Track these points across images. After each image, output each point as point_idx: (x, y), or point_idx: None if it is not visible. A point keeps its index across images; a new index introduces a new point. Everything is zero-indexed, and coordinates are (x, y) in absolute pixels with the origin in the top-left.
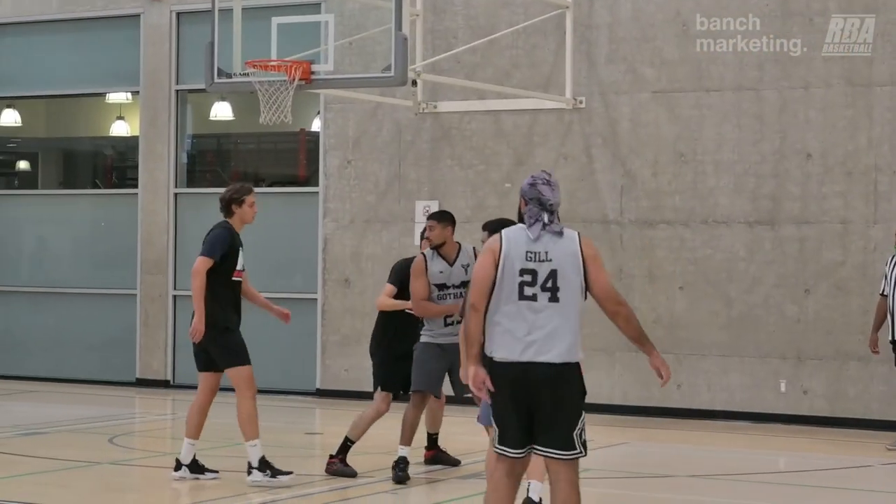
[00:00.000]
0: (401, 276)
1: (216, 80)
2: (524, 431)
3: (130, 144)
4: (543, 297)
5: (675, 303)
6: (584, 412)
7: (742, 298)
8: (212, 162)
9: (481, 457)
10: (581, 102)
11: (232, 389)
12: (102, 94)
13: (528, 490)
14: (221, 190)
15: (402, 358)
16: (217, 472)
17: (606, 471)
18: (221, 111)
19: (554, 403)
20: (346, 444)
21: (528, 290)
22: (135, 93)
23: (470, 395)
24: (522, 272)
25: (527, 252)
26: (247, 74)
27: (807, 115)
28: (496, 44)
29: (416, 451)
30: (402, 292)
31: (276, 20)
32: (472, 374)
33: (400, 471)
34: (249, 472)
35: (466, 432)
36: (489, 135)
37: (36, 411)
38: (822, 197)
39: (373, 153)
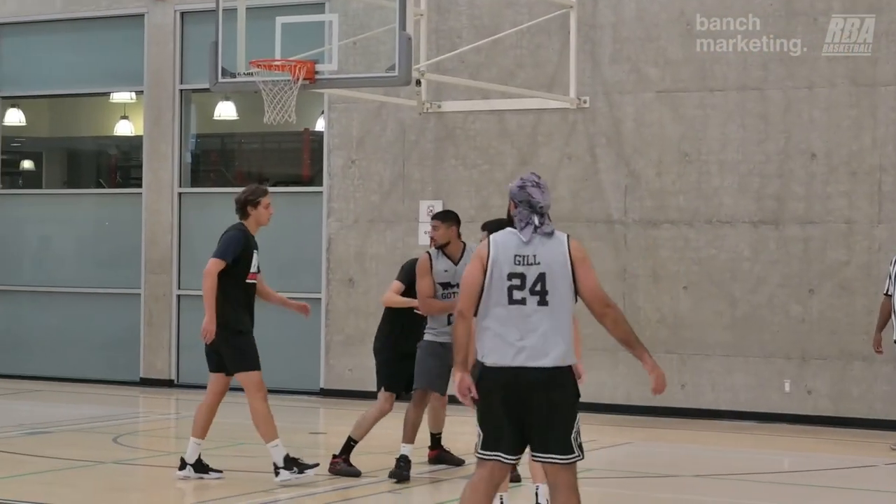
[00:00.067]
0: (410, 275)
1: (220, 79)
2: (517, 437)
3: (134, 144)
4: (532, 301)
5: (680, 303)
6: (578, 415)
7: (746, 298)
8: (216, 161)
9: None
10: (585, 102)
11: (241, 389)
12: (106, 94)
13: (536, 496)
14: (225, 190)
15: (407, 357)
16: (221, 472)
17: (610, 471)
18: (225, 111)
19: (549, 408)
20: (350, 444)
21: (517, 294)
22: (139, 92)
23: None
24: (511, 276)
25: (515, 256)
26: (251, 74)
27: (811, 114)
28: (500, 43)
29: (419, 451)
30: (410, 290)
31: (280, 20)
32: (458, 380)
33: (401, 469)
34: (277, 473)
35: (469, 432)
36: (493, 134)
37: (40, 411)
38: (826, 197)
39: (377, 153)
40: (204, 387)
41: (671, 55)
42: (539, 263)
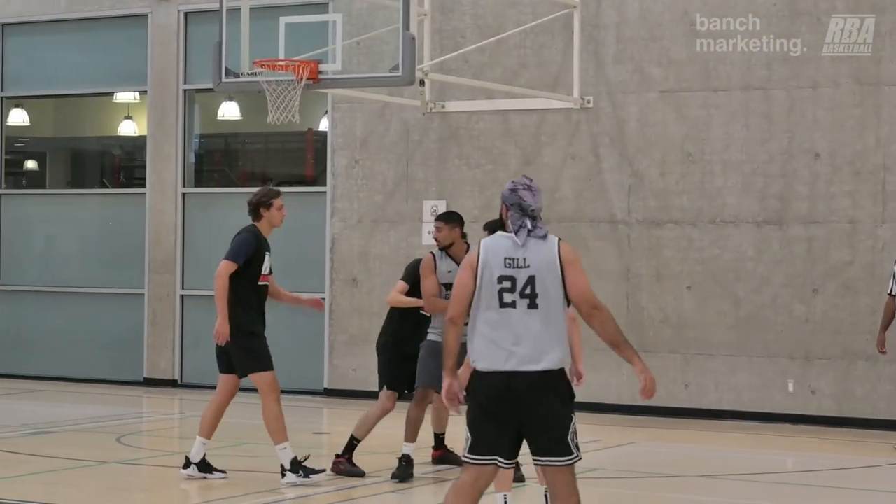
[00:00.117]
0: (414, 275)
1: (224, 79)
2: (512, 441)
3: (138, 144)
4: (523, 304)
5: (683, 303)
6: (574, 415)
7: (750, 298)
8: (219, 162)
9: None
10: (589, 102)
11: (250, 390)
12: (110, 94)
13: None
14: (229, 190)
15: (409, 357)
16: (225, 472)
17: (614, 471)
18: (229, 111)
19: (543, 412)
20: (352, 443)
21: (507, 297)
22: (142, 92)
23: None
24: (501, 279)
25: (506, 259)
26: (254, 74)
27: (815, 114)
28: (504, 43)
29: (423, 451)
30: (415, 290)
31: (283, 20)
32: (446, 386)
33: (403, 469)
34: (283, 475)
35: None
36: (497, 134)
37: (43, 410)
38: (830, 196)
39: (380, 153)
40: (207, 387)
41: (675, 55)
42: (529, 266)
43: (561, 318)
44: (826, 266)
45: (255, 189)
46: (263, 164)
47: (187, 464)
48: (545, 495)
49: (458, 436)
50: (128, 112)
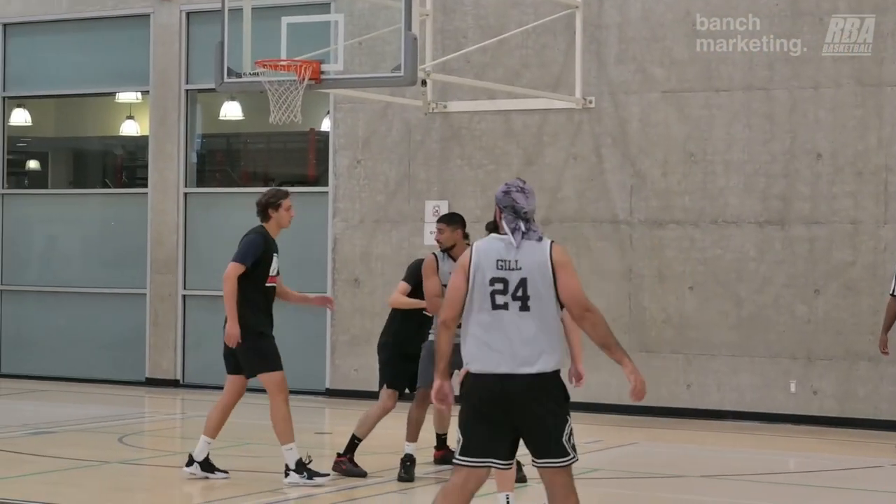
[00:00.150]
0: (416, 276)
1: (226, 79)
2: (506, 442)
3: (140, 144)
4: (515, 306)
5: (685, 303)
6: (569, 417)
7: (752, 298)
8: (221, 161)
9: None
10: (591, 102)
11: (255, 390)
12: (112, 94)
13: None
14: (231, 190)
15: (411, 357)
16: (227, 472)
17: (615, 471)
18: (231, 111)
19: (538, 415)
20: (354, 442)
21: (499, 299)
22: (144, 92)
23: None
24: (493, 281)
25: (498, 261)
26: (256, 74)
27: (817, 114)
28: (506, 44)
29: (425, 452)
30: (417, 291)
31: (285, 20)
32: (437, 387)
33: (405, 469)
34: (286, 475)
35: None
36: (499, 135)
37: (45, 410)
38: (832, 197)
39: (382, 153)
40: (209, 387)
41: (677, 55)
42: (521, 269)
43: (554, 320)
44: (828, 266)
45: (257, 189)
46: (265, 164)
47: (190, 462)
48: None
49: None
50: (130, 112)
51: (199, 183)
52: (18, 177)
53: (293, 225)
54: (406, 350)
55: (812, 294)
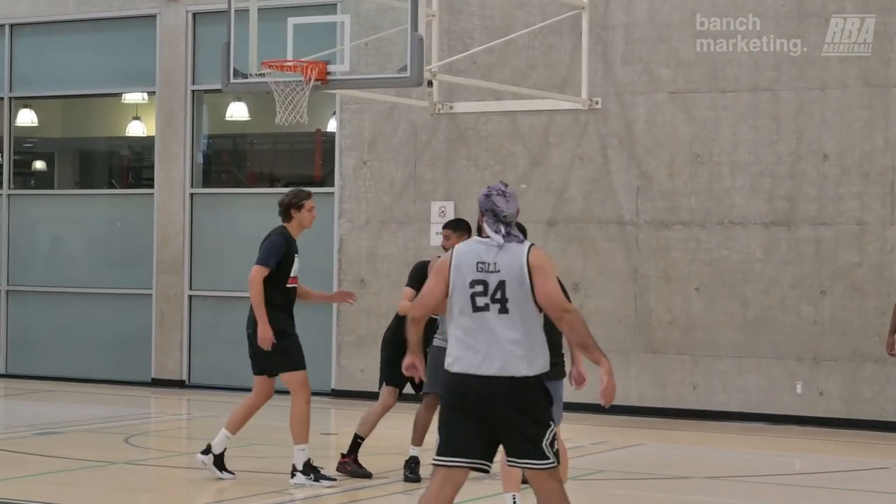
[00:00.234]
0: (419, 278)
1: (232, 80)
2: (486, 442)
3: (146, 144)
4: (494, 309)
5: (691, 304)
6: (552, 422)
7: (758, 299)
8: (227, 162)
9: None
10: (597, 103)
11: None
12: (118, 95)
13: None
14: (237, 190)
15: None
16: (234, 473)
17: (622, 472)
18: (237, 111)
19: (515, 417)
20: (357, 442)
21: (480, 301)
22: (151, 93)
23: None
24: (473, 283)
25: (478, 263)
26: (263, 75)
27: (823, 115)
28: (512, 44)
29: (429, 453)
30: None
31: (292, 20)
32: (408, 362)
33: (410, 471)
34: (293, 475)
35: None
36: (505, 135)
37: (51, 411)
38: (838, 198)
39: (388, 154)
40: (215, 387)
41: (683, 56)
42: (499, 271)
43: (533, 323)
44: (834, 267)
45: (263, 190)
46: (271, 164)
47: (207, 451)
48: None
49: None
50: (136, 112)
51: (206, 183)
52: (25, 177)
53: None
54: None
55: (818, 295)
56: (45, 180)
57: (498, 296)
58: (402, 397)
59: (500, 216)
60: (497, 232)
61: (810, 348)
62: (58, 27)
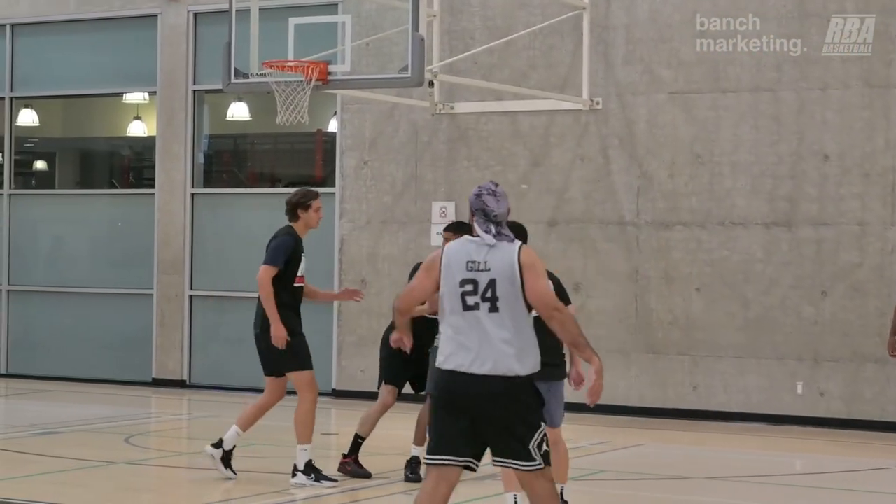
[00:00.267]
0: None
1: (233, 80)
2: (474, 441)
3: (147, 144)
4: (484, 307)
5: (692, 304)
6: (543, 423)
7: (759, 300)
8: (228, 162)
9: None
10: (598, 103)
11: (252, 390)
12: (119, 95)
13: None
14: (238, 190)
15: (413, 360)
16: (236, 474)
17: (622, 472)
18: (238, 111)
19: (503, 416)
20: (357, 442)
21: (470, 300)
22: (152, 93)
23: None
24: (463, 282)
25: (468, 263)
26: (264, 75)
27: (824, 116)
28: (513, 45)
29: None
30: None
31: (293, 21)
32: (395, 337)
33: (411, 471)
34: (294, 475)
35: None
36: (506, 136)
37: (52, 411)
38: (839, 198)
39: (389, 154)
40: (215, 387)
41: (684, 56)
42: (489, 270)
43: (523, 322)
44: (835, 268)
45: (264, 190)
46: (272, 164)
47: (218, 445)
48: (561, 495)
49: None
50: (137, 112)
51: (206, 183)
52: (25, 177)
53: None
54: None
55: (819, 296)
56: (45, 180)
57: (488, 295)
58: (402, 397)
59: (490, 215)
60: (487, 231)
61: (811, 349)
62: (59, 27)
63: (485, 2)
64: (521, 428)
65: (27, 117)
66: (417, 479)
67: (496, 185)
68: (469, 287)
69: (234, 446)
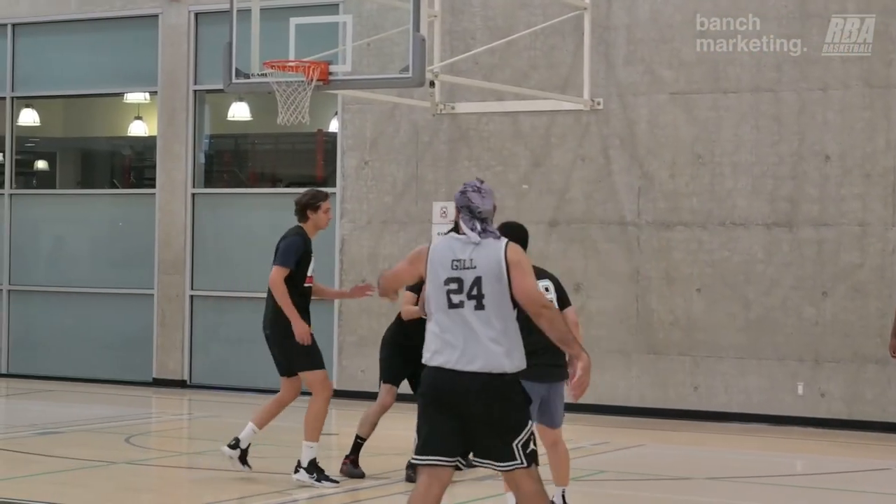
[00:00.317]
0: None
1: (234, 80)
2: (457, 440)
3: (148, 144)
4: (470, 305)
5: (693, 305)
6: (529, 422)
7: (760, 300)
8: (229, 162)
9: None
10: (599, 104)
11: (255, 390)
12: (120, 94)
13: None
14: (239, 190)
15: (412, 357)
16: (251, 467)
17: (623, 473)
18: (239, 111)
19: (487, 414)
20: (358, 443)
21: (455, 298)
22: (153, 93)
23: None
24: (448, 281)
25: (453, 261)
26: (264, 75)
27: (825, 116)
28: (514, 45)
29: None
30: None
31: (294, 21)
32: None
33: (413, 471)
34: (296, 471)
35: None
36: (507, 136)
37: (53, 410)
38: (840, 199)
39: (390, 154)
40: (216, 387)
41: (685, 57)
42: (475, 267)
43: (509, 320)
44: (836, 269)
45: (265, 190)
46: (273, 164)
47: (235, 445)
48: (563, 495)
49: None
50: (138, 112)
51: (207, 183)
52: (26, 177)
53: None
54: (408, 351)
55: (820, 296)
56: (46, 180)
57: (474, 292)
58: (404, 397)
59: (475, 212)
60: (473, 229)
61: (812, 349)
62: (60, 27)
63: (486, 2)
64: (506, 426)
65: (28, 117)
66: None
67: (481, 181)
68: (454, 286)
69: (250, 444)
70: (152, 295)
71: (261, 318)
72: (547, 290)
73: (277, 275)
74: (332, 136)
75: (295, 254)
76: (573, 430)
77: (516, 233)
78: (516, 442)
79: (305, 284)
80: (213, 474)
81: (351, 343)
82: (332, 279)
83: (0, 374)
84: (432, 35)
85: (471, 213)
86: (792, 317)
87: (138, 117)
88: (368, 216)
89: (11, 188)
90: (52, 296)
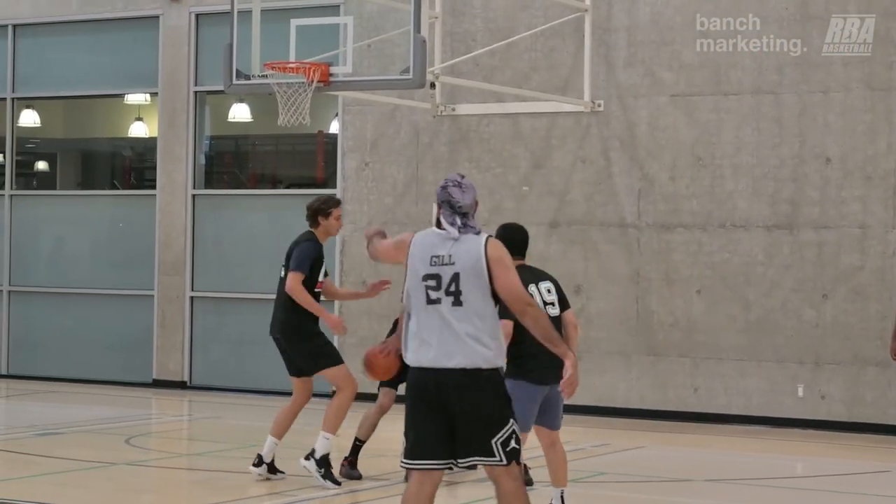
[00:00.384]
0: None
1: (235, 81)
2: (444, 442)
3: (149, 145)
4: (447, 302)
5: (693, 306)
6: (511, 419)
7: (760, 302)
8: (230, 163)
9: None
10: (599, 105)
11: (253, 391)
12: (121, 95)
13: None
14: (239, 192)
15: None
16: (283, 472)
17: (623, 474)
18: (240, 113)
19: (468, 411)
20: (357, 445)
21: (433, 295)
22: (153, 94)
23: None
24: (426, 277)
25: (432, 257)
26: (265, 76)
27: (826, 118)
28: (515, 46)
29: None
30: None
31: (294, 22)
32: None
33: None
34: (308, 458)
35: None
36: (507, 137)
37: (52, 411)
38: (840, 201)
39: (391, 155)
40: (216, 388)
41: (685, 59)
42: (454, 263)
43: (489, 316)
44: (836, 271)
45: (265, 191)
46: (274, 166)
47: (259, 462)
48: (561, 496)
49: None
50: (138, 113)
51: (208, 185)
52: (27, 178)
53: (301, 226)
54: None
55: (820, 298)
56: (47, 181)
57: (452, 288)
58: (402, 400)
59: (455, 207)
60: (453, 224)
61: (812, 351)
62: (60, 28)
63: (486, 4)
64: (484, 421)
65: (28, 118)
66: None
67: (462, 176)
68: (432, 282)
69: (274, 456)
70: (152, 296)
71: (261, 319)
72: (549, 291)
73: (294, 281)
74: (333, 138)
75: (309, 259)
76: (573, 432)
77: (516, 234)
78: (495, 439)
79: (315, 289)
80: (213, 475)
81: (352, 344)
82: (333, 280)
83: (0, 374)
84: (433, 36)
85: (451, 208)
86: (792, 319)
87: (139, 118)
88: (369, 217)
89: (12, 189)
90: (52, 297)
